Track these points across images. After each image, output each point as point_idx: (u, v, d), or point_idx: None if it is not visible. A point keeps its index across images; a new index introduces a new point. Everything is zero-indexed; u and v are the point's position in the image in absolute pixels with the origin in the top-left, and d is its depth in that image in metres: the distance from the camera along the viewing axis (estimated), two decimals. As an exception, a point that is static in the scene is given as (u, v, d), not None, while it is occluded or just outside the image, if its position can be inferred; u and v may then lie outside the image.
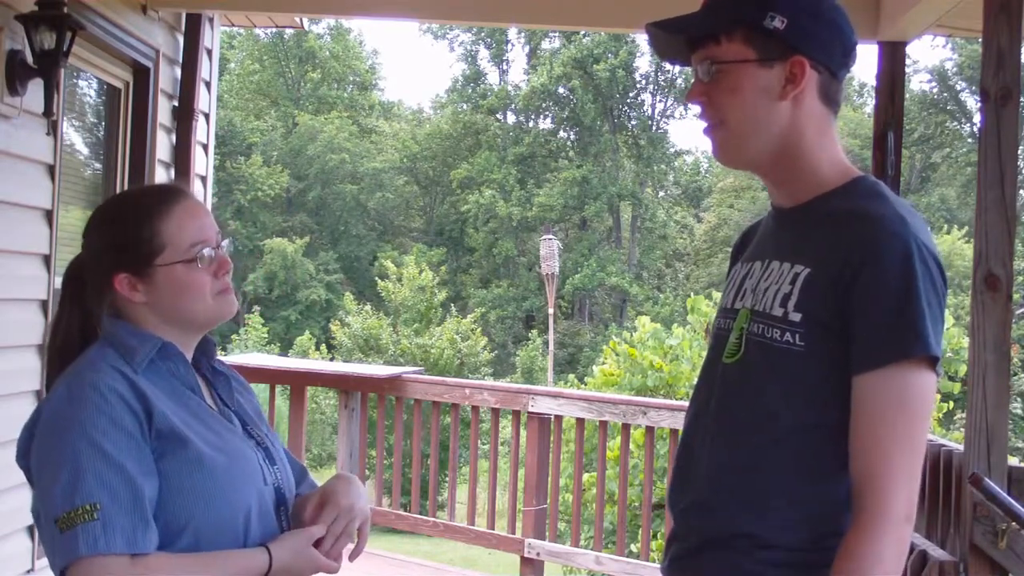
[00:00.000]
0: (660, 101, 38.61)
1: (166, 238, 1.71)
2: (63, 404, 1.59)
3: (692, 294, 14.23)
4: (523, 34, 38.28)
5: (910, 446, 1.51)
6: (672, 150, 39.02)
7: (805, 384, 1.58)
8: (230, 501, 1.66)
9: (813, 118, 1.65)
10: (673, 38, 1.72)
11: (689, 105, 1.74)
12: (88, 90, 4.93)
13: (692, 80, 1.70)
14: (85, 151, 5.03)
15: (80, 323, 1.75)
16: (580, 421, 5.67)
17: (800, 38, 1.61)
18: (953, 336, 11.49)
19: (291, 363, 8.76)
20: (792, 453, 1.59)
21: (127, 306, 1.73)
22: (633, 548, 7.77)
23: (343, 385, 6.48)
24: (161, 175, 4.97)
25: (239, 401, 1.82)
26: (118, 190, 4.71)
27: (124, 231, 1.73)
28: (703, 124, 1.70)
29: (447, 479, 7.45)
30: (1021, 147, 3.57)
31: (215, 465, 1.64)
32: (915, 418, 1.52)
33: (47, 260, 4.02)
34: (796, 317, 1.58)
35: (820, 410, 1.57)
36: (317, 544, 1.72)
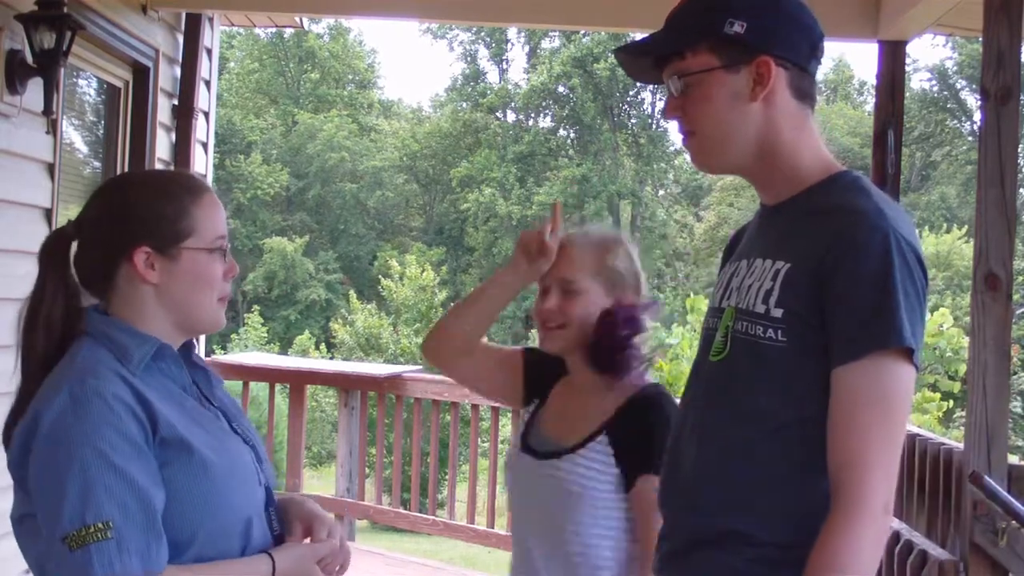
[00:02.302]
0: (660, 100, 38.56)
1: (196, 223, 1.64)
2: (67, 414, 1.49)
3: (692, 293, 14.22)
4: (523, 33, 38.25)
5: (887, 437, 1.51)
6: (672, 149, 38.97)
7: (790, 379, 1.58)
8: (234, 508, 1.61)
9: (788, 115, 1.65)
10: (641, 60, 1.74)
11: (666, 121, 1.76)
12: (88, 89, 4.93)
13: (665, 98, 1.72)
14: (85, 150, 5.03)
15: (62, 315, 1.61)
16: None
17: (762, 38, 1.62)
18: (953, 336, 11.48)
19: (291, 362, 8.77)
20: (779, 449, 1.59)
21: (129, 289, 1.62)
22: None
23: (343, 384, 6.49)
24: (161, 174, 4.96)
25: (219, 396, 1.75)
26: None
27: (158, 203, 1.63)
28: (682, 136, 1.73)
29: (447, 477, 7.45)
30: (1021, 146, 3.57)
31: (219, 472, 1.58)
32: (892, 409, 1.52)
33: (47, 259, 4.01)
34: (778, 313, 1.58)
35: (805, 405, 1.57)
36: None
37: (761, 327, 1.60)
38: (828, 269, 1.54)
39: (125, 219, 1.62)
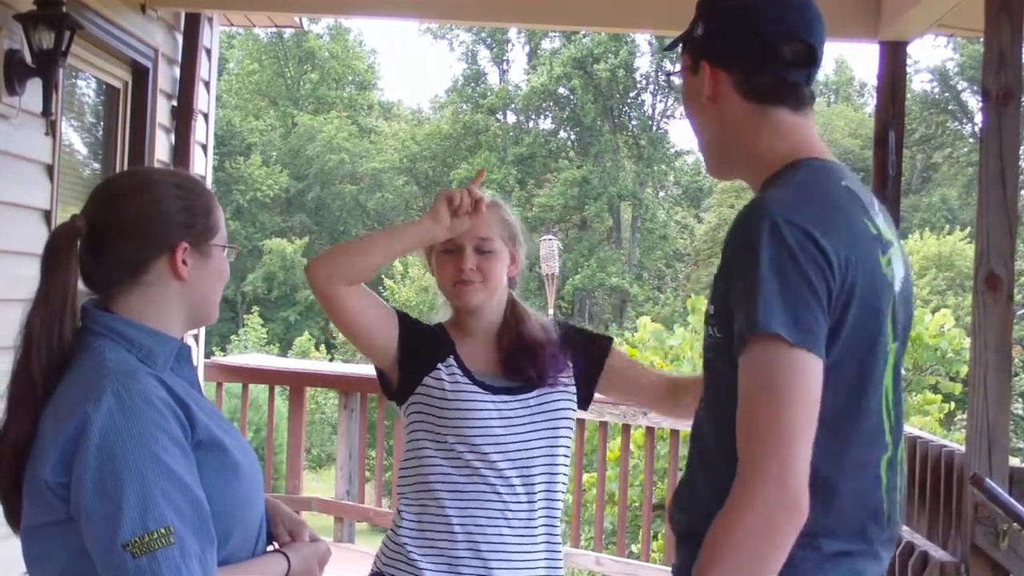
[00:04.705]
0: (660, 101, 38.59)
1: (218, 220, 1.68)
2: (117, 418, 1.46)
3: (693, 294, 14.22)
4: (523, 34, 38.26)
5: (776, 429, 1.43)
6: (672, 150, 38.99)
7: (733, 378, 1.55)
8: (256, 507, 1.62)
9: (741, 116, 1.65)
10: None
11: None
12: (87, 90, 4.92)
13: None
14: (84, 151, 5.02)
15: (72, 314, 1.58)
16: (580, 421, 5.66)
17: (708, 42, 1.66)
18: (954, 337, 11.48)
19: (290, 363, 8.75)
20: (733, 448, 1.57)
21: (156, 287, 1.60)
22: (633, 549, 7.76)
23: (343, 386, 6.48)
24: (160, 175, 4.96)
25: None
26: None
27: (193, 200, 1.65)
28: None
29: (447, 479, 7.43)
30: (1022, 147, 3.56)
31: (246, 473, 1.59)
32: (777, 399, 1.44)
33: (46, 260, 4.00)
34: (711, 309, 1.60)
35: None
36: None
37: (709, 325, 1.61)
38: (722, 262, 1.56)
39: (167, 216, 1.61)
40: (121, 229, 1.60)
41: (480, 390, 2.24)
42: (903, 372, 1.71)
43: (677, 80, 1.73)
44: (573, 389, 2.33)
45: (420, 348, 2.27)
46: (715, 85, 1.64)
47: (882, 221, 1.62)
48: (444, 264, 2.29)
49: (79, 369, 1.54)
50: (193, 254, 1.62)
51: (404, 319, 2.29)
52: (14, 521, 1.58)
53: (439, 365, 2.26)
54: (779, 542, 1.43)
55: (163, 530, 1.42)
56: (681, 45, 1.71)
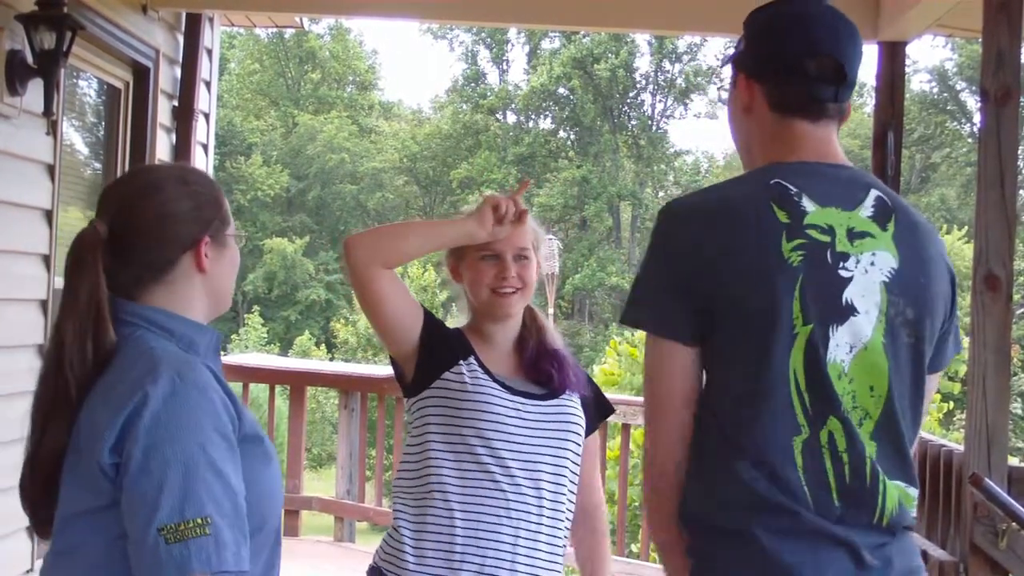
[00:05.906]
0: (660, 101, 38.58)
1: (228, 212, 1.70)
2: (170, 404, 1.47)
3: (692, 294, 14.20)
4: (523, 34, 38.26)
5: (648, 407, 1.64)
6: (672, 150, 39.00)
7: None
8: (281, 498, 1.65)
9: (766, 126, 1.72)
10: None
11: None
12: (88, 90, 4.93)
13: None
14: (85, 151, 5.03)
15: (109, 313, 1.57)
16: (580, 421, 5.66)
17: (743, 55, 1.75)
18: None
19: (291, 363, 8.75)
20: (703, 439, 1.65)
21: (182, 281, 1.62)
22: (633, 548, 7.76)
23: (343, 385, 6.48)
24: (161, 175, 4.96)
25: None
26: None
27: (208, 194, 1.67)
28: None
29: (447, 479, 7.43)
30: (1021, 147, 3.57)
31: (274, 466, 1.61)
32: (649, 380, 1.66)
33: (47, 260, 4.02)
34: None
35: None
36: None
37: None
38: None
39: (186, 213, 1.63)
40: (143, 231, 1.61)
41: (500, 388, 2.27)
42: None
43: (724, 94, 1.82)
44: (582, 411, 2.38)
45: (441, 345, 2.30)
46: (750, 97, 1.72)
47: (838, 212, 1.61)
48: (482, 270, 2.32)
49: (122, 361, 1.55)
50: (213, 247, 1.65)
51: (429, 315, 2.33)
52: (39, 526, 1.59)
53: (460, 362, 2.29)
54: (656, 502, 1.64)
55: (200, 520, 1.43)
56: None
